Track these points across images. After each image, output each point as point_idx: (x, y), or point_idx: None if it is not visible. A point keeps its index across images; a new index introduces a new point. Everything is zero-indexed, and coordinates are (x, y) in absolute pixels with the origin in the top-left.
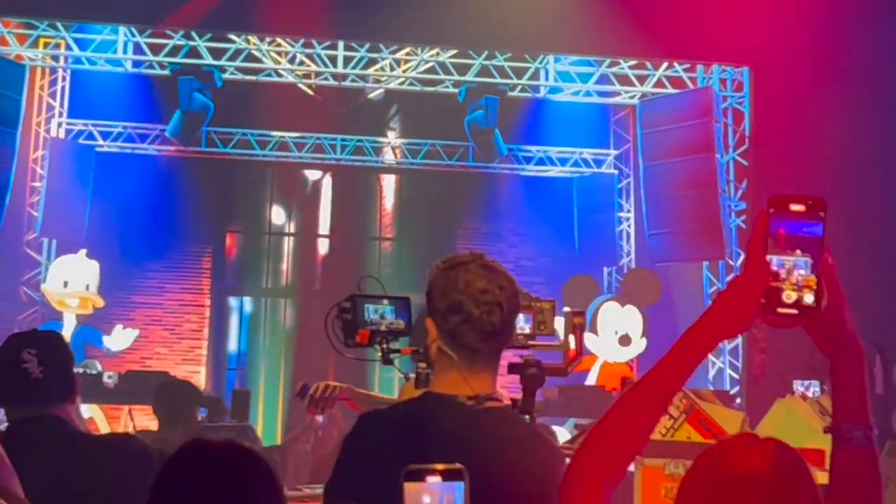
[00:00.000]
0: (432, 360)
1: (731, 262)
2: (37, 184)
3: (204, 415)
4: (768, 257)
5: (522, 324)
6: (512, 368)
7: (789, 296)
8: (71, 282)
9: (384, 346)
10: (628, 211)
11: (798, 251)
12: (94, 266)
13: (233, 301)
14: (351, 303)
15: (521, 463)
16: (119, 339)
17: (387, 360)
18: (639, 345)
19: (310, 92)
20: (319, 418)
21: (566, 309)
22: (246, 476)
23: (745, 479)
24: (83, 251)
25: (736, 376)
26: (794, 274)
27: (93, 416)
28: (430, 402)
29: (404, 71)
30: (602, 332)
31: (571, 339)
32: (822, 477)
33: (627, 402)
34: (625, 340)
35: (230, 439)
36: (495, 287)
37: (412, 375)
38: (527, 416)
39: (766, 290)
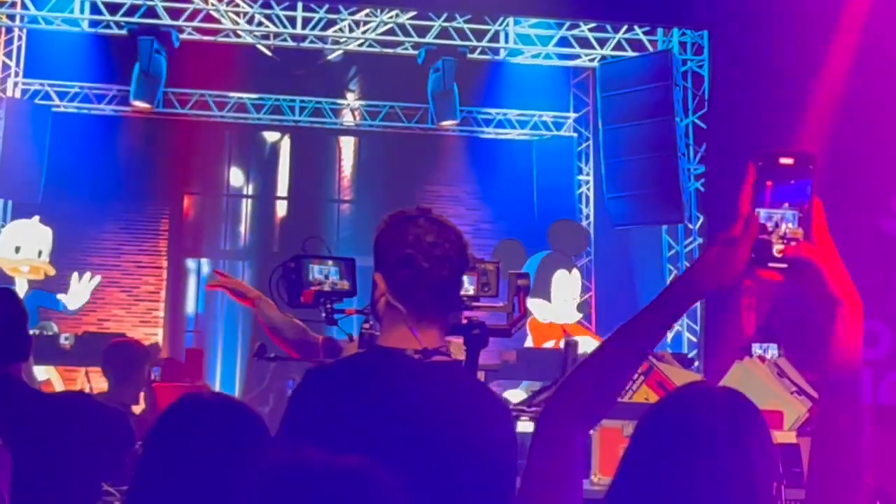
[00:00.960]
0: (380, 315)
1: (690, 225)
2: None
3: (157, 374)
4: (756, 210)
5: (467, 285)
6: (455, 329)
7: (779, 249)
8: (23, 248)
9: (328, 306)
10: (587, 174)
11: (786, 204)
12: (47, 233)
13: (190, 263)
14: (296, 263)
15: (469, 415)
16: (77, 293)
17: (331, 321)
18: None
19: (268, 53)
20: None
21: (511, 272)
22: (241, 428)
23: (689, 423)
24: (36, 217)
25: (694, 339)
26: (782, 227)
27: (49, 377)
28: (378, 357)
29: (363, 32)
30: (556, 299)
31: (515, 300)
32: (781, 437)
33: (609, 347)
34: (580, 307)
35: (221, 393)
36: (444, 241)
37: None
38: None
39: (756, 243)
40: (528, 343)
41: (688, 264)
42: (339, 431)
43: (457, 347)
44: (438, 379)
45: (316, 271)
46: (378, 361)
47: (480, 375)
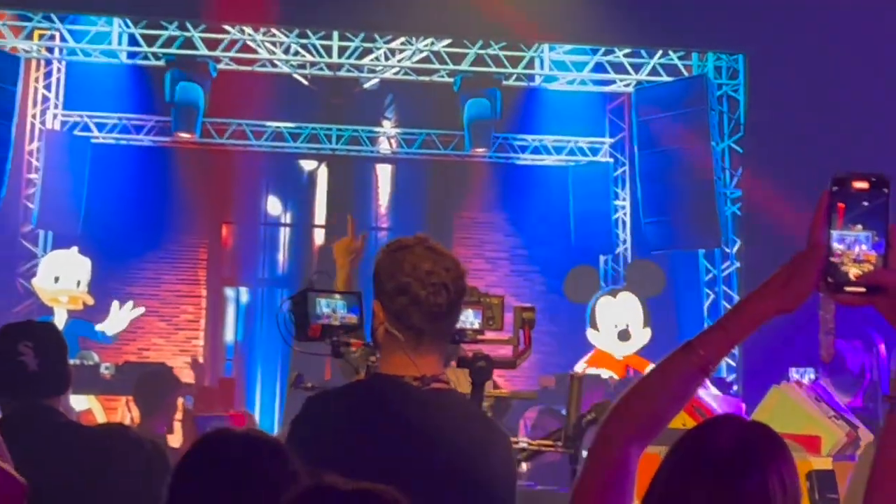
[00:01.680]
0: (379, 343)
1: (727, 249)
2: (32, 176)
3: (190, 403)
4: (830, 232)
5: (472, 319)
6: (461, 362)
7: (853, 273)
8: (62, 278)
9: (335, 339)
10: (624, 199)
11: (859, 226)
12: (85, 263)
13: (229, 291)
14: (303, 297)
15: (466, 443)
16: (115, 320)
17: (337, 353)
18: (641, 335)
19: (305, 82)
20: None
21: (516, 305)
22: (267, 468)
23: (709, 453)
24: (75, 248)
25: (732, 363)
26: (855, 249)
27: (90, 406)
28: (378, 384)
29: (399, 60)
30: (602, 327)
31: (521, 333)
32: (817, 462)
33: (670, 365)
34: (624, 335)
35: (251, 430)
36: (441, 269)
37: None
38: None
39: (827, 266)
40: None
41: (725, 288)
42: (339, 457)
43: (466, 380)
44: (436, 405)
45: (323, 305)
46: (377, 388)
47: (509, 404)
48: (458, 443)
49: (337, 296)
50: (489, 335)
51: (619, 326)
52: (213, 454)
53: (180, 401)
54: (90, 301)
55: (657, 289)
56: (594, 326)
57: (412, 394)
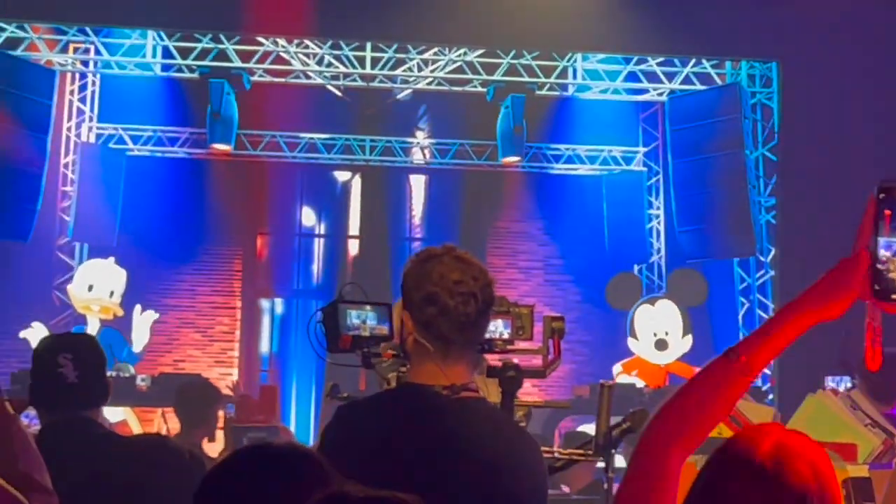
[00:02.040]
0: (408, 352)
1: (761, 257)
2: (68, 188)
3: (231, 412)
4: (876, 239)
5: (502, 329)
6: (491, 372)
7: None
8: (96, 286)
9: (365, 350)
10: (658, 208)
11: None
12: (121, 274)
13: (264, 303)
14: (333, 309)
15: (495, 451)
16: (139, 330)
17: (367, 364)
18: (681, 344)
19: (338, 93)
20: None
21: (545, 315)
22: (303, 481)
23: (747, 462)
24: (111, 258)
25: (767, 372)
26: None
27: (126, 418)
28: (407, 393)
29: (432, 71)
30: (641, 335)
31: (550, 343)
32: (853, 470)
33: (713, 371)
34: (661, 345)
35: (291, 443)
36: (469, 278)
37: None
38: None
39: (874, 273)
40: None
41: (760, 297)
42: (366, 464)
43: (496, 390)
44: (465, 414)
45: (353, 317)
46: (406, 397)
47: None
48: (487, 452)
49: (367, 307)
50: (519, 345)
51: (657, 335)
52: (242, 468)
53: (220, 412)
54: (120, 313)
55: (700, 298)
56: (633, 335)
57: (441, 402)
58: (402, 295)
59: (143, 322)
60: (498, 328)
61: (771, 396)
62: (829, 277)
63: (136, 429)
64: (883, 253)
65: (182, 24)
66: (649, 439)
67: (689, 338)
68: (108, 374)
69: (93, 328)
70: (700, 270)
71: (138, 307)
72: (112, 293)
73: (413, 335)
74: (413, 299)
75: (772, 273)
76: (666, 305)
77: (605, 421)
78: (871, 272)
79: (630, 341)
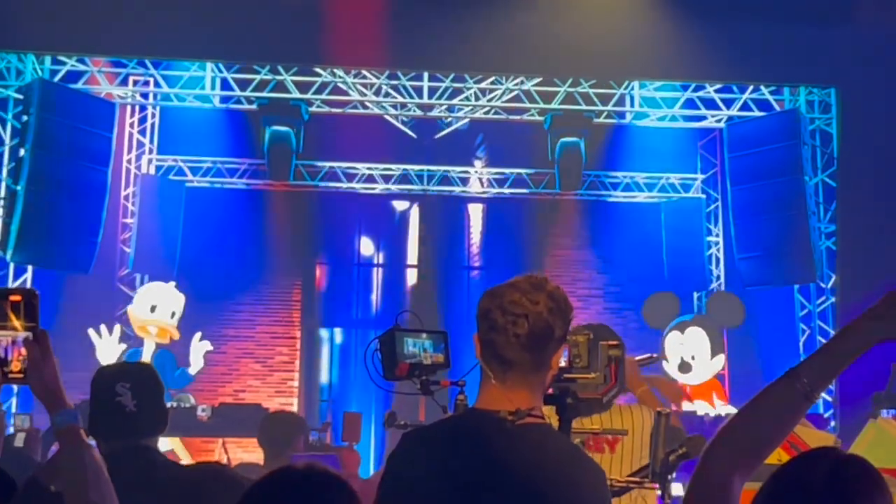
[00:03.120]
0: (482, 377)
1: (822, 284)
2: (128, 220)
3: (315, 438)
4: None
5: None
6: (548, 399)
7: None
8: (159, 307)
9: (423, 377)
10: (717, 235)
11: None
12: (180, 298)
13: (323, 332)
14: (390, 337)
15: (559, 478)
16: (194, 356)
17: (426, 391)
18: (708, 366)
19: (396, 123)
20: None
21: (602, 342)
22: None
23: (804, 486)
24: (173, 282)
25: (829, 399)
26: None
27: (173, 447)
28: (472, 419)
29: (489, 100)
30: (671, 358)
31: (608, 370)
32: None
33: (774, 394)
34: (684, 367)
35: (313, 464)
36: (527, 300)
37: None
38: None
39: None
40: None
41: (821, 324)
42: (433, 492)
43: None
44: (528, 440)
45: (410, 345)
46: (470, 423)
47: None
48: (548, 478)
49: (424, 335)
50: (577, 373)
51: (684, 358)
52: (272, 490)
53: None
54: (176, 336)
55: (737, 320)
56: (664, 357)
57: (503, 428)
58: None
59: (198, 350)
60: (557, 351)
61: (833, 423)
62: (890, 297)
63: (184, 458)
64: None
65: (240, 56)
66: (709, 465)
67: (721, 357)
68: (168, 404)
69: (148, 351)
70: (754, 296)
71: (198, 334)
72: (173, 314)
73: (480, 359)
74: (478, 319)
75: (832, 299)
76: (694, 332)
77: (662, 448)
78: None
79: (665, 364)
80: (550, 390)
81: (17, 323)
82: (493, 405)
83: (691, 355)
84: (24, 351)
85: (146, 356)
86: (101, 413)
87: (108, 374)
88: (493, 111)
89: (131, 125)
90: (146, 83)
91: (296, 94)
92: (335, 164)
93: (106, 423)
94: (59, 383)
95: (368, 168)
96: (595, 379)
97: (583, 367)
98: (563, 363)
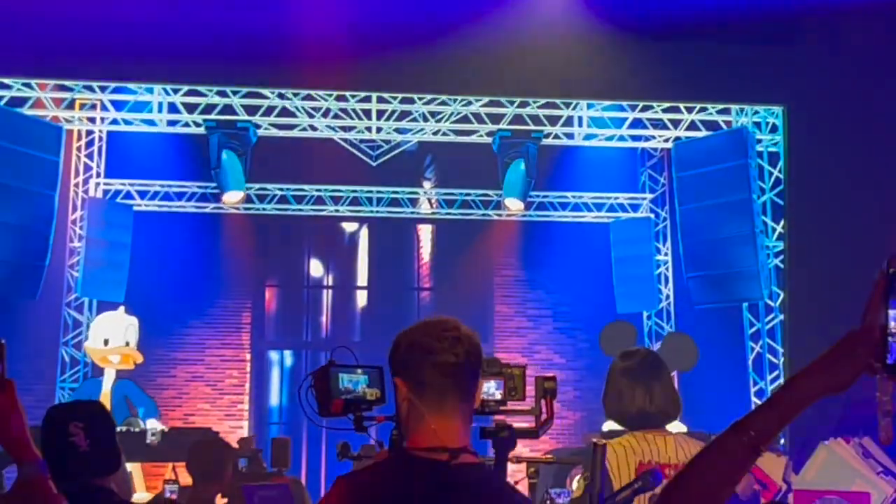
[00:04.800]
0: (404, 420)
1: (770, 302)
2: (76, 244)
3: (244, 465)
4: (888, 312)
5: (493, 390)
6: (483, 433)
7: None
8: (111, 339)
9: (358, 414)
10: (665, 254)
11: None
12: (133, 322)
13: (273, 355)
14: (324, 373)
15: None
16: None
17: (360, 428)
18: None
19: (344, 145)
20: None
21: (537, 376)
22: None
23: None
24: (122, 308)
25: None
26: None
27: (132, 471)
28: (404, 461)
29: (437, 121)
30: None
31: (542, 403)
32: None
33: (720, 446)
34: None
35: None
36: (452, 325)
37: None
38: None
39: (885, 346)
40: None
41: (769, 341)
42: None
43: None
44: (465, 483)
45: (345, 380)
46: (403, 466)
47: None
48: None
49: (359, 371)
50: (511, 405)
51: None
52: None
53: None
54: (139, 359)
55: (690, 364)
56: None
57: (440, 469)
58: (391, 362)
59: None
60: (490, 389)
61: (783, 441)
62: (834, 351)
63: (140, 486)
64: (894, 325)
65: (187, 78)
66: None
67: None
68: (118, 428)
69: (109, 379)
70: (704, 314)
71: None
72: (128, 342)
73: (406, 398)
74: (401, 356)
75: (781, 317)
76: None
77: (598, 480)
78: (881, 346)
79: None
80: (491, 424)
81: None
82: (426, 442)
83: None
84: None
85: (106, 385)
86: (54, 454)
87: (60, 413)
88: (441, 132)
89: (78, 149)
90: (93, 107)
91: (244, 117)
92: (284, 187)
93: (59, 464)
94: (26, 433)
95: (317, 190)
96: (531, 411)
97: (518, 399)
98: (498, 396)
